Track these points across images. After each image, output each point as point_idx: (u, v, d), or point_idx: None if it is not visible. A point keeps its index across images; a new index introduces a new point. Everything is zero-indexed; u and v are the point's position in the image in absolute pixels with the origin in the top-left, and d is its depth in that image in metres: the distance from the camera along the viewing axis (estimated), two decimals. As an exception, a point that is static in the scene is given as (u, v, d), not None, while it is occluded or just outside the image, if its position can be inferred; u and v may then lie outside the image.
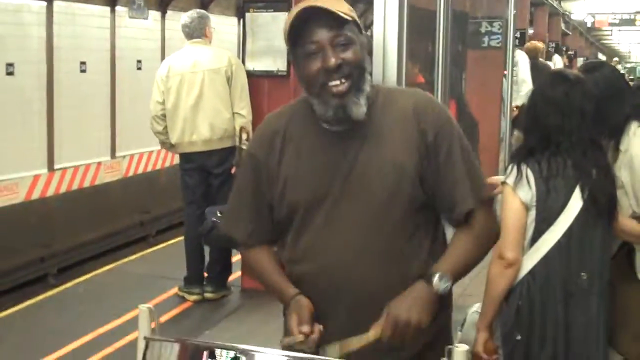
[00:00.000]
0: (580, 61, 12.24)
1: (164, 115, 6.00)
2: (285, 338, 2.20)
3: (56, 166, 7.84)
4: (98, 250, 8.39)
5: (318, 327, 2.20)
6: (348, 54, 2.19)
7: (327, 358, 1.89)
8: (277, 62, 6.04)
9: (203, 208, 5.93)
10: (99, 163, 8.53)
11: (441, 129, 2.27)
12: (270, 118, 2.45)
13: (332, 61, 2.17)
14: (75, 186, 8.17)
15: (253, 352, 1.85)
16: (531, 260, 2.87)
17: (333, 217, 2.26)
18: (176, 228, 9.11)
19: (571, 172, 2.87)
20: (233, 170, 5.88)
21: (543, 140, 2.91)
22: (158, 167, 9.55)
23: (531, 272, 2.87)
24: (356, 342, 2.16)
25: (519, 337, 2.87)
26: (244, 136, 5.90)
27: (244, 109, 5.96)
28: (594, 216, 2.88)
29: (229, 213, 2.51)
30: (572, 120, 2.89)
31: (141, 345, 2.11)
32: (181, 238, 7.29)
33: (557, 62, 14.03)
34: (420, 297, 2.19)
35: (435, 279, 2.19)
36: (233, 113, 5.95)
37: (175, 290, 6.24)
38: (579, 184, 2.86)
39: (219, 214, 5.68)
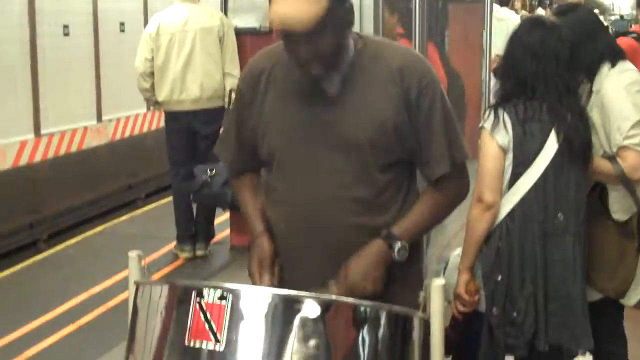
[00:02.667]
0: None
1: (152, 73, 6.03)
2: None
3: (43, 131, 7.83)
4: (88, 215, 8.40)
5: (274, 276, 2.32)
6: (322, 43, 2.16)
7: (310, 293, 1.96)
8: (259, 19, 6.08)
9: (189, 168, 5.98)
10: (86, 127, 8.53)
11: (425, 88, 2.28)
12: (259, 55, 2.47)
13: (303, 54, 2.17)
14: (62, 151, 8.17)
15: (239, 290, 1.91)
16: (509, 202, 2.94)
17: (310, 163, 2.30)
18: (165, 190, 9.16)
19: (546, 117, 2.94)
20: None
21: (519, 86, 2.97)
22: (145, 130, 9.56)
23: (509, 214, 2.94)
24: None
25: (499, 278, 2.94)
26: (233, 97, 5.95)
27: (235, 69, 6.02)
28: (569, 159, 2.95)
29: (221, 138, 2.59)
30: (547, 67, 2.94)
31: (132, 289, 2.19)
32: (169, 199, 7.39)
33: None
34: (378, 262, 2.23)
35: (397, 248, 2.23)
36: (224, 73, 6.00)
37: (165, 249, 6.34)
38: (554, 127, 2.93)
39: (209, 172, 5.75)
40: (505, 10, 12.94)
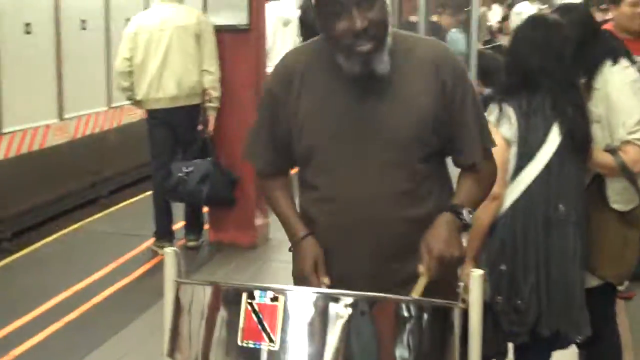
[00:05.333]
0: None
1: (131, 72, 6.06)
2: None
3: (4, 130, 7.73)
4: (51, 213, 8.33)
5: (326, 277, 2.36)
6: (373, 14, 2.20)
7: (354, 292, 2.00)
8: (238, 16, 6.11)
9: (170, 163, 6.02)
10: (48, 125, 8.44)
11: (458, 79, 2.36)
12: (289, 55, 2.49)
13: (358, 24, 2.18)
14: (24, 150, 8.08)
15: (290, 291, 1.94)
16: (513, 193, 3.02)
17: (353, 159, 2.33)
18: (128, 188, 9.13)
19: (549, 111, 3.03)
20: (199, 128, 6.01)
21: (523, 81, 3.06)
22: (107, 127, 9.48)
23: (513, 205, 3.02)
24: (417, 290, 2.22)
25: (503, 267, 3.02)
26: (207, 97, 6.05)
27: (213, 66, 6.08)
28: (571, 151, 3.04)
29: (249, 144, 2.57)
30: (550, 63, 3.04)
31: (169, 288, 2.21)
32: (140, 197, 7.37)
33: (495, 12, 14.44)
34: (454, 229, 2.32)
35: (465, 212, 2.33)
36: (201, 70, 6.04)
37: (143, 246, 6.33)
38: (557, 121, 3.02)
39: (184, 170, 5.82)
40: (521, 4, 13.03)
